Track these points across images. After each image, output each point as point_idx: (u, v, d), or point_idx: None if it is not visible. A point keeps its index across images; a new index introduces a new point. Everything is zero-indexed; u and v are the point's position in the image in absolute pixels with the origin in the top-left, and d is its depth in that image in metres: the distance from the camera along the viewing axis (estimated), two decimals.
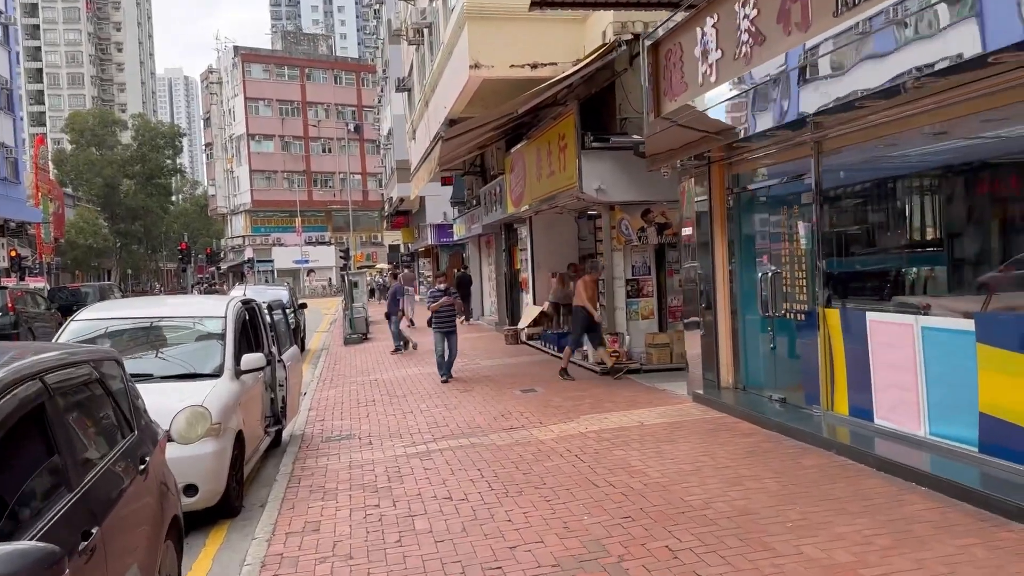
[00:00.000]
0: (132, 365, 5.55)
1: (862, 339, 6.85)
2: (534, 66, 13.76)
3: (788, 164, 7.92)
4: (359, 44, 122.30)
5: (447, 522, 5.64)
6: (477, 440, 8.25)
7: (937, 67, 4.95)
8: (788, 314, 8.08)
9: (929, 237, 6.74)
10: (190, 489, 6.08)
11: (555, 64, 13.62)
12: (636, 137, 11.61)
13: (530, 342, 16.74)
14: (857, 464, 6.19)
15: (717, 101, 7.87)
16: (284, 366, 8.86)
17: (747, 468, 6.36)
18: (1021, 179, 5.87)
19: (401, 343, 17.66)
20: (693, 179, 9.40)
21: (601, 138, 12.08)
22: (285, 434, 9.38)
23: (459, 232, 26.51)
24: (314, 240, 70.01)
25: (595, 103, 12.82)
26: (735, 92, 7.52)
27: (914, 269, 6.84)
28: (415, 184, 15.32)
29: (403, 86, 26.18)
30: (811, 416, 7.56)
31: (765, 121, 7.12)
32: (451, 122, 16.00)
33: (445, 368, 12.64)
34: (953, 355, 5.87)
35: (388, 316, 18.35)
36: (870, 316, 6.75)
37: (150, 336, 7.82)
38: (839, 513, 5.15)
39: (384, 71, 39.09)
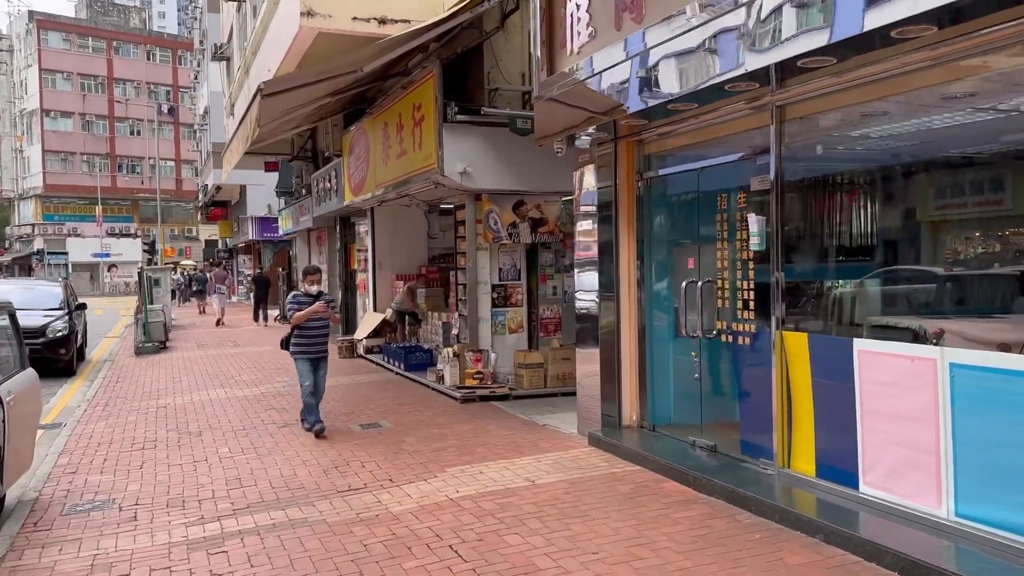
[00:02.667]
0: None
1: (844, 375, 5.00)
2: (382, 21, 11.24)
3: (730, 139, 6.01)
4: (179, 24, 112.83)
5: None
6: (298, 513, 5.68)
7: None
8: (724, 336, 6.16)
9: (940, 240, 5.01)
10: None
11: (408, 21, 11.18)
12: (513, 111, 9.47)
13: (369, 356, 14.13)
14: (868, 564, 4.28)
15: (638, 50, 5.79)
16: (2, 404, 5.84)
17: (712, 570, 4.29)
18: None
19: None
20: (594, 161, 7.33)
21: (469, 110, 9.80)
22: (11, 498, 6.38)
23: (285, 226, 23.30)
24: (117, 232, 62.52)
25: (458, 70, 10.54)
26: (668, 36, 5.46)
27: (915, 283, 5.07)
28: (228, 159, 12.38)
29: (221, 54, 22.61)
30: (760, 474, 5.66)
31: (711, 75, 5.12)
32: None
33: (315, 411, 8.30)
34: (1005, 406, 4.09)
35: None
36: (860, 345, 4.91)
37: None
38: None
39: (202, 42, 34.72)
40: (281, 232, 24.95)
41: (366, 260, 15.75)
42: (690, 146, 6.48)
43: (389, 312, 14.17)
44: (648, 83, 5.70)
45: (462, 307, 11.10)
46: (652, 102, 5.69)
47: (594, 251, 7.38)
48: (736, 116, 5.75)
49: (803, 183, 5.49)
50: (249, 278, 31.79)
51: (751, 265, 5.79)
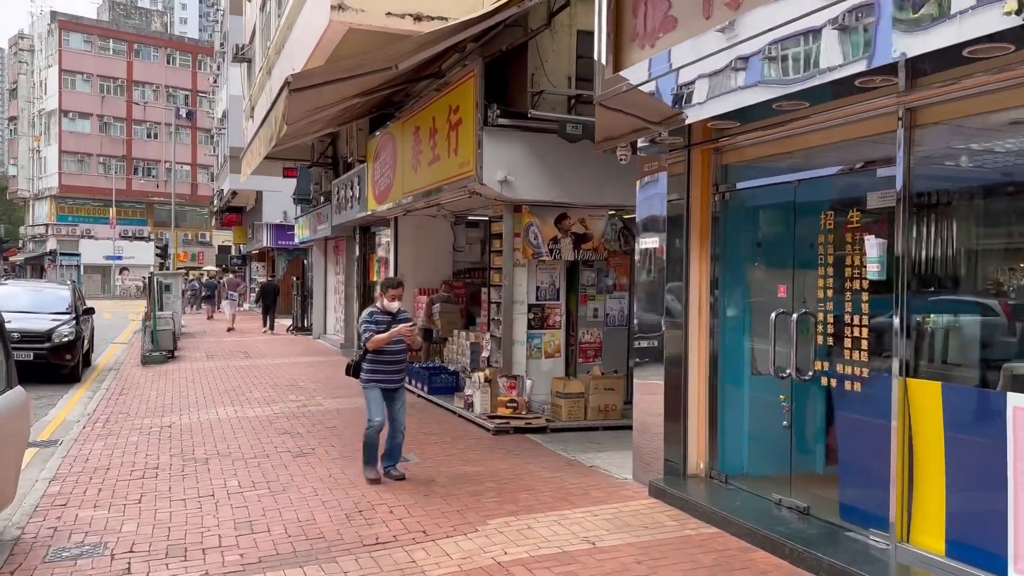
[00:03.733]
0: None
1: (991, 434, 4.10)
2: (418, 18, 10.49)
3: (839, 147, 5.14)
4: (200, 31, 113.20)
5: None
6: (319, 573, 4.80)
7: None
8: (824, 379, 5.26)
9: None
10: None
11: (445, 19, 10.42)
12: (565, 115, 8.66)
13: None
14: None
15: (736, 39, 4.93)
16: None
17: None
18: None
19: None
20: (663, 170, 6.47)
21: (512, 113, 8.98)
22: None
23: (302, 234, 22.54)
24: (131, 234, 62.04)
25: (498, 72, 9.71)
26: (779, 21, 4.59)
27: None
28: (248, 160, 11.64)
29: (242, 55, 21.93)
30: (870, 547, 4.74)
31: (835, 67, 4.25)
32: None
33: (391, 455, 6.98)
34: None
35: None
36: (1017, 401, 4.00)
37: None
38: None
39: (222, 45, 34.18)
40: (297, 240, 24.21)
41: (386, 272, 14.93)
42: (783, 155, 5.61)
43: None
44: (747, 78, 4.83)
45: (494, 327, 10.24)
46: (752, 100, 4.83)
47: (659, 272, 6.51)
48: (851, 120, 4.88)
49: (937, 201, 4.60)
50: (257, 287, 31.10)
51: (865, 296, 4.90)
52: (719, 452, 6.26)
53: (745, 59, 4.83)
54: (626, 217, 9.73)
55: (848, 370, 5.03)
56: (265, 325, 23.99)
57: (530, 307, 9.65)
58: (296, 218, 24.11)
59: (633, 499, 6.21)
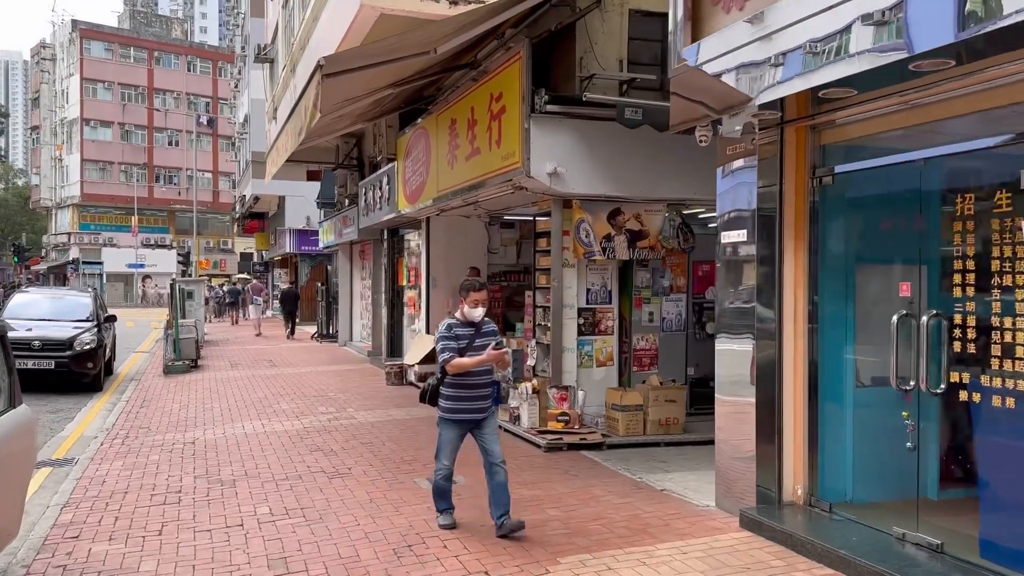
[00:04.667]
0: None
1: None
2: (453, 2, 9.77)
3: (977, 118, 4.33)
4: (220, 38, 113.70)
5: None
6: None
7: None
8: (963, 392, 4.43)
9: None
10: None
11: (482, 2, 9.72)
12: (624, 99, 7.88)
13: (422, 384, 12.48)
14: None
15: None
16: None
17: None
18: None
19: None
20: (752, 153, 5.68)
21: (563, 99, 8.22)
22: None
23: (326, 238, 21.90)
24: (153, 242, 61.95)
25: (543, 56, 8.97)
26: None
27: None
28: (274, 158, 10.98)
29: (264, 55, 21.35)
30: None
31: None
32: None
33: (498, 499, 5.45)
34: None
35: None
36: None
37: None
38: None
39: (243, 48, 33.71)
40: (321, 245, 23.61)
41: (416, 276, 14.23)
42: (901, 131, 4.81)
43: None
44: (878, 35, 4.03)
45: (540, 333, 9.48)
46: (884, 61, 4.02)
47: (746, 270, 5.71)
48: (997, 84, 4.07)
49: None
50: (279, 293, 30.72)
51: (1020, 295, 4.08)
52: (819, 476, 5.45)
53: (873, 12, 4.03)
54: (685, 212, 8.95)
55: (996, 383, 4.21)
56: (287, 331, 23.92)
57: (580, 311, 8.88)
58: (320, 222, 23.54)
59: (723, 531, 5.41)
